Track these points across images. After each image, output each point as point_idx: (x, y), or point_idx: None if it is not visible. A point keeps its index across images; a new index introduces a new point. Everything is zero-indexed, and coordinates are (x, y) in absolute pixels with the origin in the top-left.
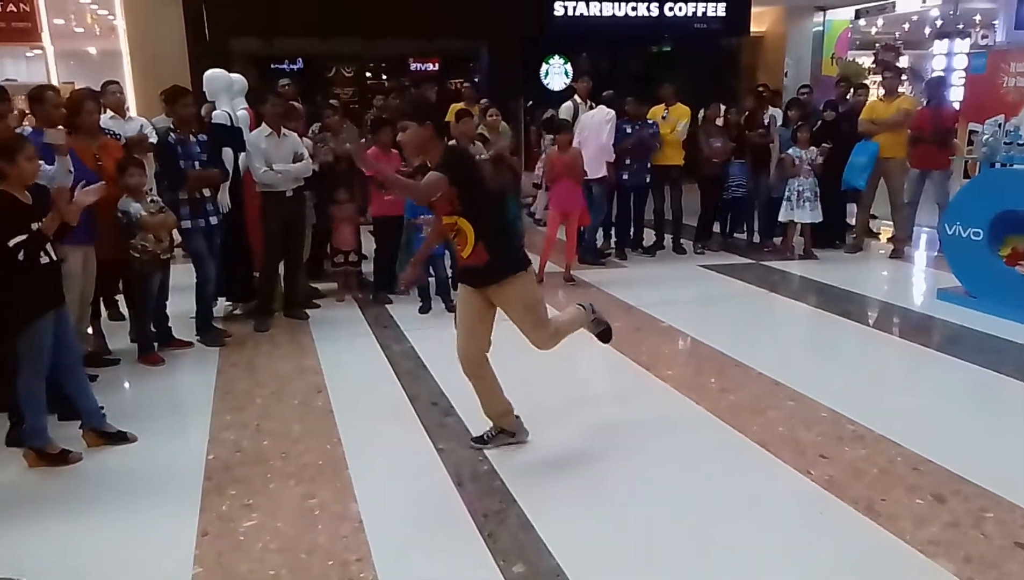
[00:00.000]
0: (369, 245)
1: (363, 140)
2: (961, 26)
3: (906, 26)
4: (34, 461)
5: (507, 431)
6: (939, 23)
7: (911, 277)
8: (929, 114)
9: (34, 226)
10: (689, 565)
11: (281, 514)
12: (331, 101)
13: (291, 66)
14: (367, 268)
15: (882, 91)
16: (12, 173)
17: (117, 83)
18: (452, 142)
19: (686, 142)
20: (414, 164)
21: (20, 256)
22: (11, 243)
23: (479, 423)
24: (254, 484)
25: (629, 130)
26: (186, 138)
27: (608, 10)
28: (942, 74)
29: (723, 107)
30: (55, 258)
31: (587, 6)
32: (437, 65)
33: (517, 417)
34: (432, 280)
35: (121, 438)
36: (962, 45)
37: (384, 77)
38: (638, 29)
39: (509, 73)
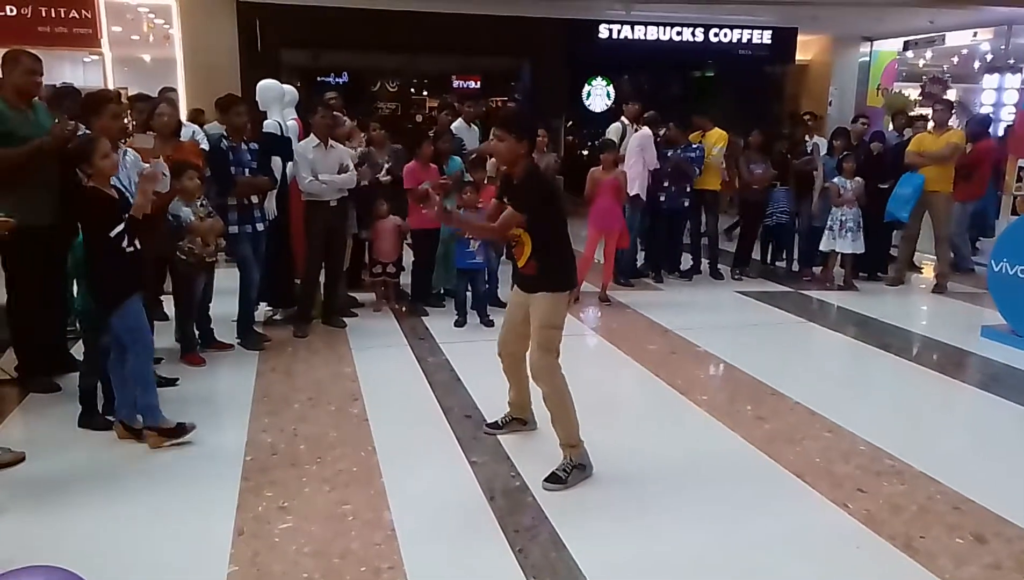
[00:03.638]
0: (407, 257)
1: (388, 161)
2: (1012, 61)
3: (955, 59)
4: (156, 440)
5: (520, 420)
6: (989, 57)
7: (954, 312)
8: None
9: (124, 216)
10: None
11: (315, 518)
12: (376, 113)
13: (337, 79)
14: (404, 280)
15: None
16: (95, 171)
17: (175, 90)
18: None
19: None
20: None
21: (124, 243)
22: (112, 233)
23: (512, 437)
24: (290, 487)
25: (670, 154)
26: (238, 145)
27: (653, 34)
28: (986, 111)
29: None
30: (138, 247)
31: (632, 29)
32: (479, 82)
33: (532, 411)
34: (469, 294)
35: (140, 435)
36: (1013, 80)
37: (426, 93)
38: (682, 54)
39: (551, 92)
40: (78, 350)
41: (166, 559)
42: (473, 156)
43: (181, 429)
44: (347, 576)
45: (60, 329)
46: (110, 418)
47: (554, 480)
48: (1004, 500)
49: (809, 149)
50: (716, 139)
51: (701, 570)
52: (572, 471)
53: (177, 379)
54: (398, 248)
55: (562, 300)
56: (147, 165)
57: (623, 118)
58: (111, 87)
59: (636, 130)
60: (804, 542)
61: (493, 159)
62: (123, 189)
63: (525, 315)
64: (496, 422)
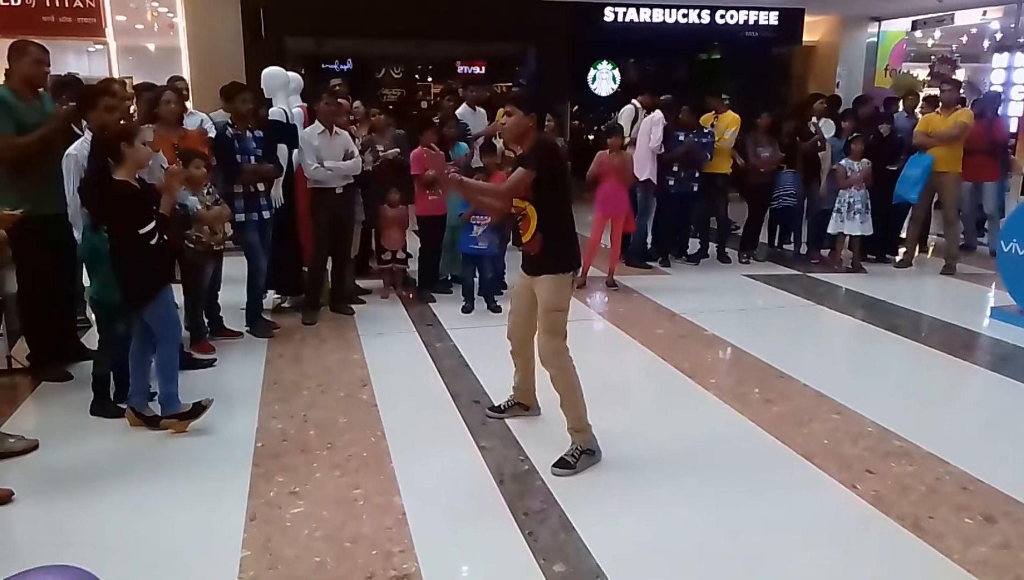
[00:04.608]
0: (413, 244)
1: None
2: (1022, 40)
3: (964, 39)
4: (178, 426)
5: (523, 405)
6: (999, 36)
7: (963, 294)
8: (983, 127)
9: (152, 212)
10: (729, 575)
11: (326, 503)
12: (382, 100)
13: (341, 66)
14: (411, 266)
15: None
16: (130, 157)
17: (183, 79)
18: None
19: (733, 150)
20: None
21: (153, 241)
22: (142, 232)
23: (520, 422)
24: (300, 473)
25: (682, 138)
26: (243, 133)
27: (658, 16)
28: (998, 89)
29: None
30: (165, 239)
31: (637, 12)
32: (484, 68)
33: (535, 398)
34: (476, 280)
35: (155, 422)
36: (1022, 59)
37: (431, 79)
38: (688, 36)
39: (556, 77)
40: (89, 338)
41: (178, 545)
42: (483, 141)
43: (199, 408)
44: (359, 560)
45: (71, 317)
46: (122, 406)
47: (563, 466)
48: (1013, 480)
49: (814, 131)
50: (729, 122)
51: (709, 551)
52: (580, 456)
53: (215, 358)
54: (404, 236)
55: (566, 282)
56: None
57: (634, 101)
58: (116, 76)
59: (647, 115)
60: (813, 524)
61: (502, 142)
62: (147, 181)
63: (531, 299)
64: (499, 406)
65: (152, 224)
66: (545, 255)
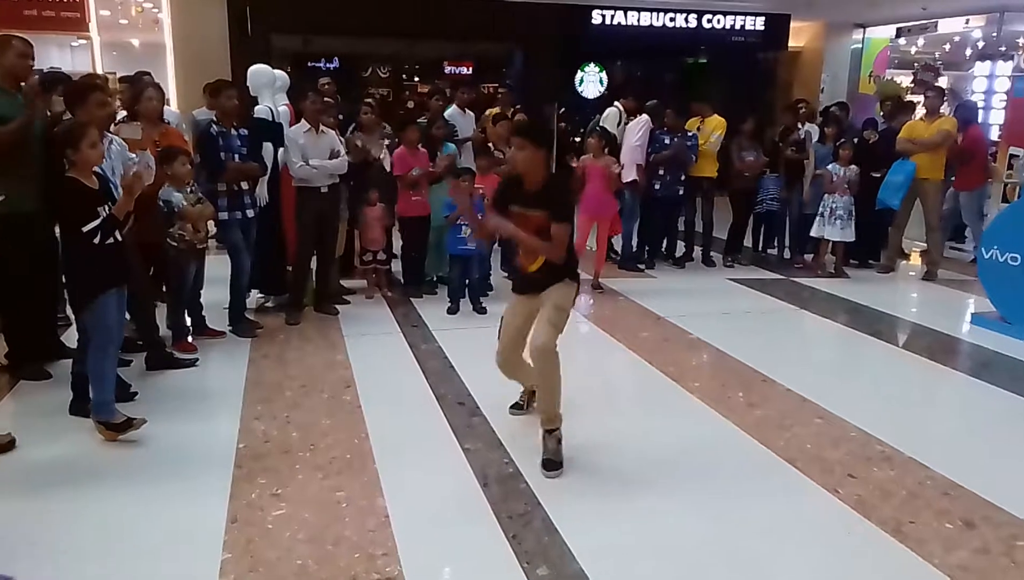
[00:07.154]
0: (399, 244)
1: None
2: (1004, 48)
3: (947, 47)
4: (106, 434)
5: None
6: (981, 44)
7: (944, 299)
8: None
9: (102, 210)
10: (711, 577)
11: (309, 505)
12: (367, 100)
13: (328, 65)
14: (397, 266)
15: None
16: (78, 160)
17: (149, 74)
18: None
19: (718, 154)
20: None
21: (96, 240)
22: (85, 229)
23: (506, 424)
24: (283, 474)
25: (667, 141)
26: (227, 130)
27: (646, 20)
28: (974, 100)
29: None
30: (120, 239)
31: (625, 15)
32: (471, 68)
33: None
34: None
35: (126, 426)
36: (1004, 68)
37: (417, 79)
38: (675, 40)
39: (543, 79)
40: (69, 336)
41: (158, 547)
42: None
43: (126, 424)
44: (341, 562)
45: (51, 316)
46: None
47: (552, 467)
48: (993, 486)
49: (801, 136)
50: (715, 126)
51: (692, 554)
52: (558, 447)
53: (197, 358)
54: (384, 236)
55: (573, 288)
56: (133, 156)
57: (617, 104)
58: (100, 72)
59: (631, 119)
60: (795, 527)
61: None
62: (106, 178)
63: (528, 317)
64: (518, 403)
65: (96, 222)
66: (553, 276)
